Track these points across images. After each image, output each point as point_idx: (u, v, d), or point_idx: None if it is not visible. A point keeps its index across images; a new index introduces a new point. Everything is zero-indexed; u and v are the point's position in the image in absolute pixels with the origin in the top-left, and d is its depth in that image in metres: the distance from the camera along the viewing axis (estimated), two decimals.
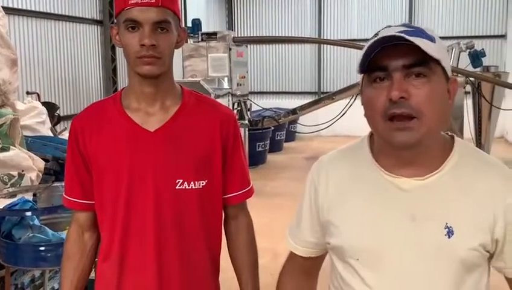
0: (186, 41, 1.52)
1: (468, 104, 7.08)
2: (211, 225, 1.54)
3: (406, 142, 1.09)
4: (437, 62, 1.07)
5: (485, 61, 7.38)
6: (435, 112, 1.08)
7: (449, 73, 1.11)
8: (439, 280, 1.12)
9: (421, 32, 1.07)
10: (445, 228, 1.11)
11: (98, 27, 7.83)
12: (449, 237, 1.11)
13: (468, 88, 7.15)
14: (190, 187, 1.46)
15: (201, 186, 1.47)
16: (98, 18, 7.79)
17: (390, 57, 1.07)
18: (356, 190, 1.20)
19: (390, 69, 1.07)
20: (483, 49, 7.40)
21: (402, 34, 1.04)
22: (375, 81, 1.10)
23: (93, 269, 1.60)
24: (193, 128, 1.48)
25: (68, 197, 1.55)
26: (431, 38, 1.07)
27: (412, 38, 1.03)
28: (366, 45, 1.09)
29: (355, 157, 1.25)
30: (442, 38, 1.13)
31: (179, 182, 1.45)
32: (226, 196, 1.57)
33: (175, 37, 1.43)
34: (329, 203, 1.24)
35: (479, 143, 7.25)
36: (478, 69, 7.24)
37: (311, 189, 1.28)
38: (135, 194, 1.44)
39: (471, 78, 6.77)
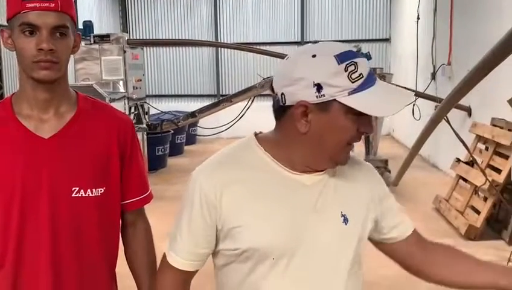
0: None
1: None
2: (109, 233, 1.52)
3: None
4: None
5: (371, 63, 7.84)
6: None
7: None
8: (343, 264, 1.24)
9: None
10: (341, 216, 1.23)
11: None
12: (346, 223, 1.23)
13: None
14: (87, 195, 1.43)
15: (99, 194, 1.45)
16: None
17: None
18: (263, 190, 1.21)
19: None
20: (369, 52, 7.84)
21: None
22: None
23: None
24: (89, 135, 1.45)
25: None
26: None
27: None
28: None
29: (247, 159, 1.26)
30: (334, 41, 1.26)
31: (75, 190, 1.42)
32: (124, 202, 1.55)
33: (72, 42, 1.42)
34: (231, 209, 1.21)
35: (367, 140, 7.72)
36: None
37: (202, 197, 1.22)
38: (29, 203, 1.39)
39: None
